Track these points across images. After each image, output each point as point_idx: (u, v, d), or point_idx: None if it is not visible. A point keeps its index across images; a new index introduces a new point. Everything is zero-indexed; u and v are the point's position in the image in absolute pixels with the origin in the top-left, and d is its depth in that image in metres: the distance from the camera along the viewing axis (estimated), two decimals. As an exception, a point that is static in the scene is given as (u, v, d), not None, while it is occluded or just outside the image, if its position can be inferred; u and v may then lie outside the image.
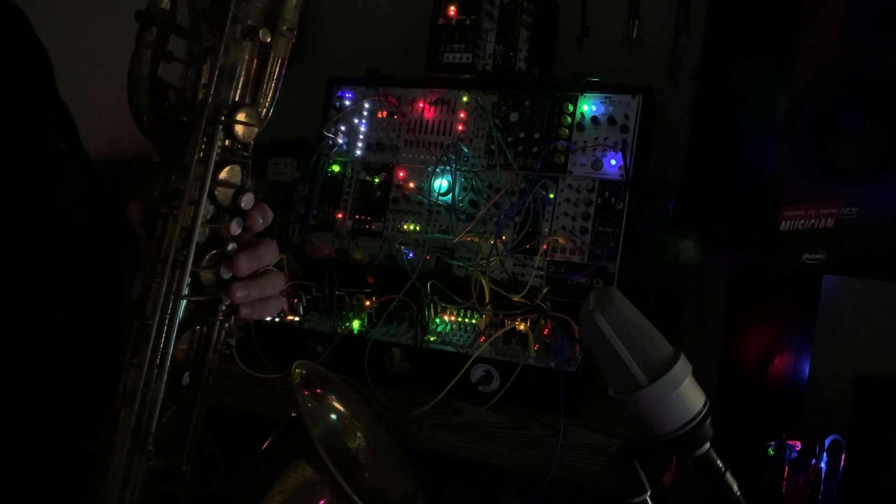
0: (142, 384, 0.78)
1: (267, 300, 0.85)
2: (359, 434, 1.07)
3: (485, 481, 1.33)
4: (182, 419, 0.82)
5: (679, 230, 1.58)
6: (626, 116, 1.46)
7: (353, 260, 1.60)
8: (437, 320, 1.38)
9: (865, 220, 1.40)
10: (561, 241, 1.45)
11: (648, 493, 0.77)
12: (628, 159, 1.43)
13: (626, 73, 1.72)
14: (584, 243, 1.43)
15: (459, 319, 1.38)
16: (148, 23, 0.78)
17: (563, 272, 1.43)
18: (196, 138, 0.77)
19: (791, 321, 1.66)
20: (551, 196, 1.47)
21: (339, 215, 1.63)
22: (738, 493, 0.76)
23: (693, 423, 0.74)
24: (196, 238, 0.78)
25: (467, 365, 1.24)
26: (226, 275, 0.81)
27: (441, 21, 1.64)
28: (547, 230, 1.45)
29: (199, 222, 0.78)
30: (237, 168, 0.80)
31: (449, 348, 1.30)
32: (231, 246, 0.81)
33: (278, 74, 0.81)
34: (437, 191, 1.55)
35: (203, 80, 0.77)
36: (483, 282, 1.36)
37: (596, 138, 1.47)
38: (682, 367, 0.74)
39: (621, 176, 1.44)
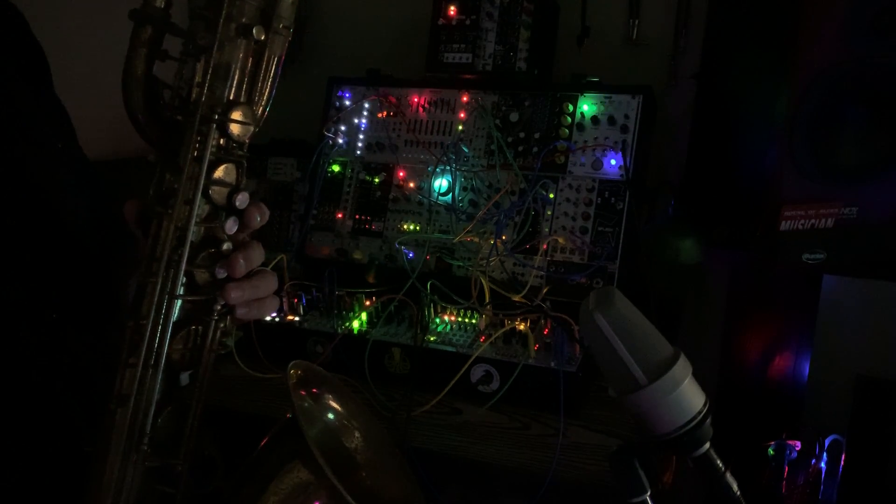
0: (137, 384, 0.77)
1: (262, 300, 0.85)
2: (356, 434, 1.06)
3: (485, 481, 1.32)
4: (178, 419, 0.82)
5: (679, 230, 1.58)
6: (626, 116, 1.45)
7: (353, 260, 1.60)
8: (437, 320, 1.38)
9: (865, 220, 1.40)
10: (561, 240, 1.44)
11: (648, 493, 0.76)
12: (628, 159, 1.43)
13: (626, 73, 1.72)
14: (584, 243, 1.43)
15: (459, 319, 1.38)
16: (142, 21, 0.78)
17: (563, 272, 1.43)
18: (190, 137, 0.77)
19: (791, 321, 1.66)
20: (551, 196, 1.47)
21: (339, 215, 1.63)
22: (738, 493, 0.76)
23: (693, 423, 0.73)
24: (190, 237, 0.77)
25: (467, 365, 1.24)
26: (221, 275, 0.80)
27: (441, 21, 1.64)
28: (547, 230, 1.45)
29: (194, 221, 0.77)
30: (232, 167, 0.80)
31: (449, 348, 1.30)
32: (226, 246, 0.81)
33: (274, 73, 0.81)
34: (437, 191, 1.55)
35: (197, 79, 0.77)
36: (483, 282, 1.36)
37: (596, 138, 1.47)
38: (682, 367, 0.74)
39: (621, 176, 1.43)
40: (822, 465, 1.50)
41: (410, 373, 1.30)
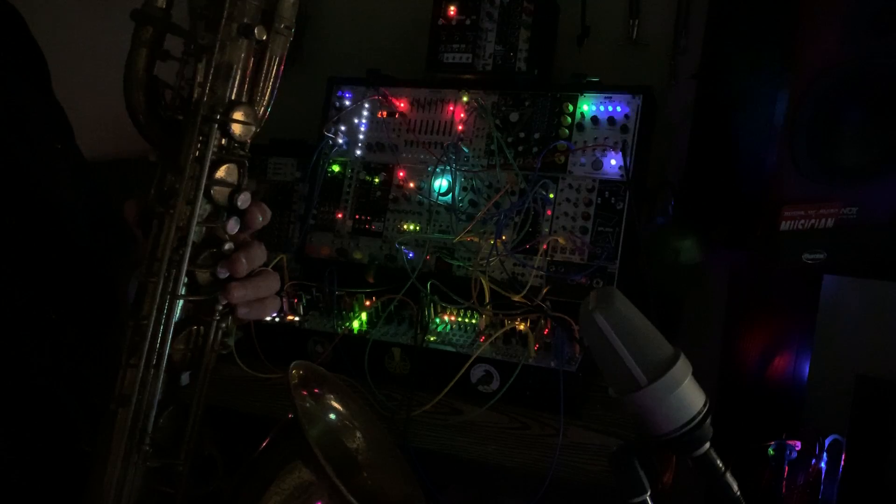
0: (138, 385, 0.77)
1: (263, 300, 0.85)
2: (358, 434, 1.06)
3: (485, 481, 1.32)
4: (180, 419, 0.82)
5: (679, 230, 1.58)
6: (626, 116, 1.45)
7: (353, 260, 1.59)
8: (437, 320, 1.38)
9: (865, 220, 1.40)
10: (561, 241, 1.44)
11: (648, 493, 0.77)
12: (628, 159, 1.43)
13: (626, 73, 1.72)
14: (584, 243, 1.43)
15: (459, 319, 1.38)
16: (144, 21, 0.78)
17: (563, 272, 1.42)
18: (192, 137, 0.77)
19: (791, 321, 1.66)
20: (551, 196, 1.47)
21: (339, 215, 1.63)
22: (738, 493, 0.76)
23: (693, 423, 0.74)
24: (192, 237, 0.78)
25: (467, 365, 1.24)
26: (223, 274, 0.80)
27: (441, 21, 1.64)
28: (547, 230, 1.45)
29: (196, 221, 0.77)
30: (234, 167, 0.80)
31: (449, 348, 1.30)
32: (228, 245, 0.81)
33: (276, 73, 0.81)
34: (437, 191, 1.55)
35: (199, 79, 0.77)
36: (483, 282, 1.36)
37: (596, 138, 1.47)
38: (682, 367, 0.74)
39: (621, 176, 1.43)
40: (822, 465, 1.50)
41: (410, 373, 1.30)
